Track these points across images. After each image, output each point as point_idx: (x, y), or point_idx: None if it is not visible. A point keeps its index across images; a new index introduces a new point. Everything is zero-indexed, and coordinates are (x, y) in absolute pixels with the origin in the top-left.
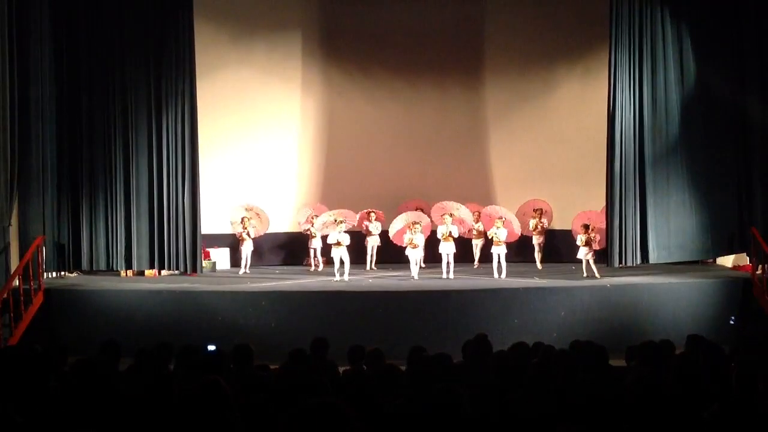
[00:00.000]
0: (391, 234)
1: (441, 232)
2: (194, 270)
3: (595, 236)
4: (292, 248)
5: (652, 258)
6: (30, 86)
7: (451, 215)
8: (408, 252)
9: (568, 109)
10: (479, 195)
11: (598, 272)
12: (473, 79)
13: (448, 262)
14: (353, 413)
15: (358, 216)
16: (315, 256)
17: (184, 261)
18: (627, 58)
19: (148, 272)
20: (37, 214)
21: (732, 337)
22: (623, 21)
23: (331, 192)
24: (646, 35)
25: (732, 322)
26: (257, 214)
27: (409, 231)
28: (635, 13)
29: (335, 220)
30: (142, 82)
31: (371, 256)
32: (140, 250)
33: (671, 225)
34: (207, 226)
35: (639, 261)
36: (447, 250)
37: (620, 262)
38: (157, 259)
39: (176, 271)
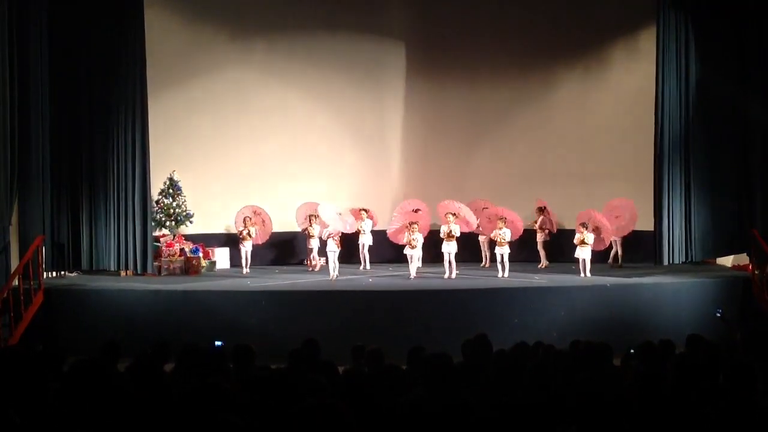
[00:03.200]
0: (388, 232)
1: (443, 231)
2: (144, 270)
3: (590, 235)
4: (292, 248)
5: (697, 256)
6: (30, 86)
7: (454, 215)
8: (406, 251)
9: (568, 109)
10: (480, 194)
11: (589, 272)
12: (474, 78)
13: (449, 261)
14: (351, 413)
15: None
16: (313, 255)
17: (134, 261)
18: (674, 60)
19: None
20: (36, 214)
21: (728, 335)
22: (669, 24)
23: (337, 191)
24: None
25: (718, 314)
26: (263, 221)
27: (407, 231)
28: (681, 15)
29: (339, 213)
30: (104, 85)
31: (364, 255)
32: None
33: (711, 223)
34: (208, 226)
35: (684, 259)
36: (449, 249)
37: (669, 261)
38: (115, 258)
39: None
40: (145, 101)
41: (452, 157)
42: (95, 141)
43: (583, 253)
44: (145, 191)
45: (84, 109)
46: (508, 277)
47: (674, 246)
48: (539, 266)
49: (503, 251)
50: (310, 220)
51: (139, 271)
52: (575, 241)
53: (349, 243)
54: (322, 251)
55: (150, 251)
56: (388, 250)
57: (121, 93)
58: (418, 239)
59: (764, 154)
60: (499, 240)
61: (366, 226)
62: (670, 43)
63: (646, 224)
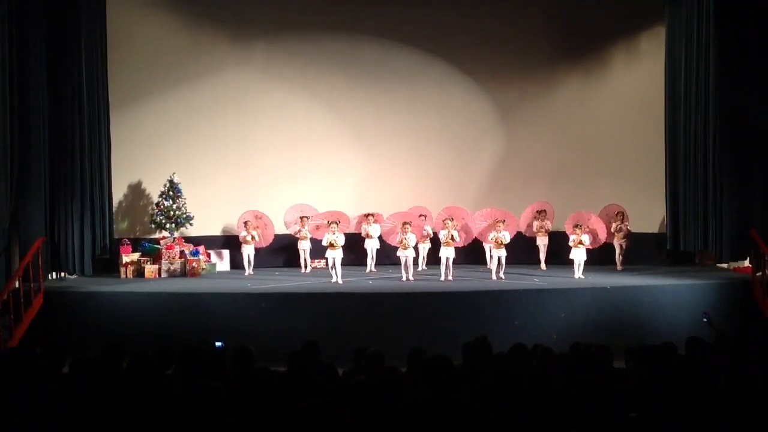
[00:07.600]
0: (381, 230)
1: (442, 235)
2: (81, 272)
3: (586, 236)
4: (291, 250)
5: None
6: (30, 88)
7: (452, 219)
8: (399, 253)
9: (569, 110)
10: (480, 197)
11: (582, 273)
12: (474, 80)
13: (447, 266)
14: (350, 415)
15: (356, 219)
16: (304, 257)
17: (72, 263)
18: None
19: (148, 273)
20: (37, 216)
21: (717, 340)
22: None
23: (338, 194)
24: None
25: (705, 320)
26: (265, 225)
27: (400, 232)
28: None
29: (327, 223)
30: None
31: (371, 258)
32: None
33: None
34: (208, 228)
35: (740, 257)
36: (447, 254)
37: (721, 261)
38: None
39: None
40: (107, 108)
41: (453, 159)
42: (56, 143)
43: (578, 255)
44: (101, 194)
45: (78, 111)
46: (507, 279)
47: (724, 247)
48: (543, 268)
49: (501, 254)
50: (299, 223)
51: (76, 273)
52: (571, 243)
53: (357, 247)
54: (313, 253)
55: (88, 252)
56: (392, 254)
57: (90, 96)
58: (411, 240)
59: (764, 152)
60: (496, 243)
61: (373, 231)
62: (676, 43)
63: (648, 226)
